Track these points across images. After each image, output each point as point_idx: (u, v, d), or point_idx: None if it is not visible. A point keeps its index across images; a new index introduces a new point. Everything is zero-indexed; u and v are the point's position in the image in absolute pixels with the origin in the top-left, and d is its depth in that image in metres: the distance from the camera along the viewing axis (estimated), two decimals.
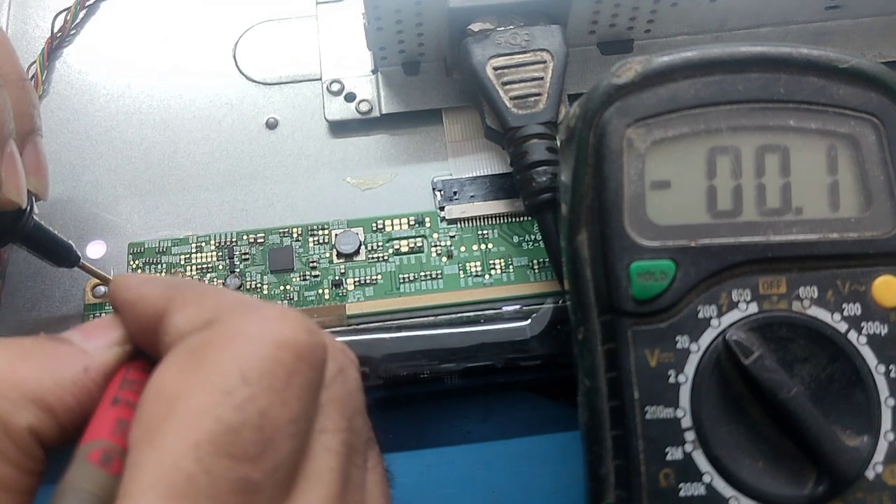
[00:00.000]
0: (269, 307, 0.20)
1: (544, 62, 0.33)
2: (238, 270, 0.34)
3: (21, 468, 0.18)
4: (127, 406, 0.19)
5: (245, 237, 0.35)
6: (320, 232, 0.35)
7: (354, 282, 0.34)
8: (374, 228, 0.35)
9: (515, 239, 0.34)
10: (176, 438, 0.17)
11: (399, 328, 0.32)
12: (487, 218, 0.35)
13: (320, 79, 0.38)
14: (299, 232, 0.35)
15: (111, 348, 0.21)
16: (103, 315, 0.33)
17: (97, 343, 0.21)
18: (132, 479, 0.17)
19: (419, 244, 0.34)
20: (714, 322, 0.25)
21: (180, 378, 0.18)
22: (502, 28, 0.34)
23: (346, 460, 0.20)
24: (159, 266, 0.34)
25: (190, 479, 0.17)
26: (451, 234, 0.34)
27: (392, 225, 0.35)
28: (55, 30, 0.40)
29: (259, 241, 0.35)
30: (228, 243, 0.35)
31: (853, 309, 0.25)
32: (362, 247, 0.34)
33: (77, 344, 0.21)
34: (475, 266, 0.34)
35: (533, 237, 0.34)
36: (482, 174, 0.36)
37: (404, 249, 0.34)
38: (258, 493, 0.17)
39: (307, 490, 0.19)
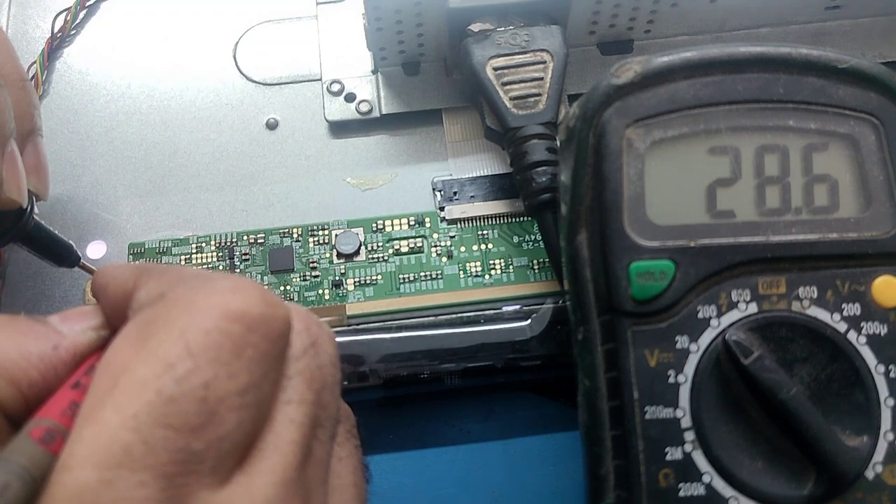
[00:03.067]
0: (223, 278, 0.20)
1: (544, 62, 0.33)
2: (238, 271, 0.34)
3: None
4: (85, 391, 0.19)
5: (245, 237, 0.35)
6: (320, 232, 0.35)
7: (354, 282, 0.34)
8: (374, 229, 0.35)
9: (515, 239, 0.34)
10: (115, 410, 0.17)
11: (399, 328, 0.32)
12: (487, 218, 0.35)
13: (320, 79, 0.38)
14: (299, 232, 0.35)
15: (85, 332, 0.21)
16: None
17: (72, 326, 0.21)
18: (71, 452, 0.17)
19: (419, 244, 0.34)
20: (714, 322, 0.25)
21: (127, 352, 0.18)
22: (502, 28, 0.34)
23: (309, 433, 0.20)
24: None
25: (127, 449, 0.17)
26: (451, 234, 0.34)
27: (392, 225, 0.35)
28: (55, 30, 0.40)
29: (259, 241, 0.35)
30: (229, 244, 0.35)
31: (853, 309, 0.25)
32: (362, 247, 0.34)
33: (53, 325, 0.21)
34: (475, 266, 0.34)
35: (533, 237, 0.34)
36: (482, 174, 0.36)
37: (404, 250, 0.34)
38: (201, 462, 0.17)
39: (262, 459, 0.19)
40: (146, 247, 0.35)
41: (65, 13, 0.40)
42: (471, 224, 0.35)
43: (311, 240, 0.34)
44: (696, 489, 0.24)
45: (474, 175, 0.36)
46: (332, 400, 0.21)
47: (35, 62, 0.39)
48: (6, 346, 0.19)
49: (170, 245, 0.35)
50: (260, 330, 0.19)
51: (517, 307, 0.33)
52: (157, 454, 0.17)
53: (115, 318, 0.21)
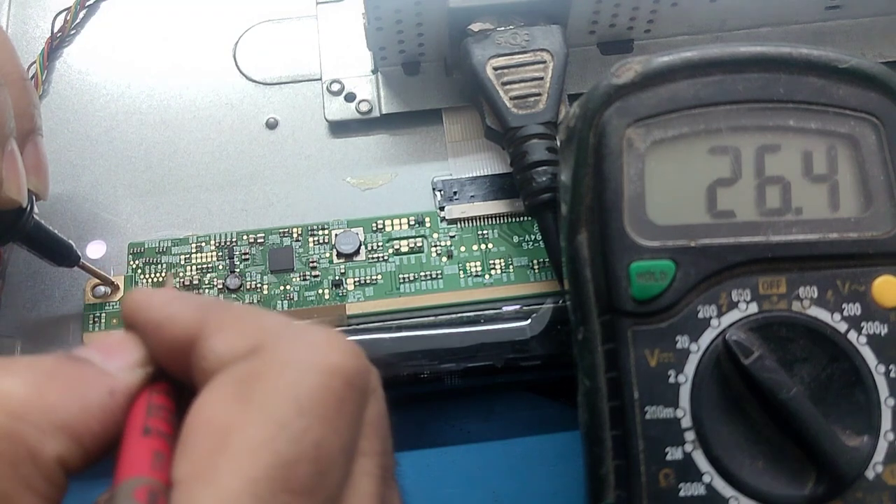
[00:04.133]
0: (315, 332, 0.19)
1: (544, 62, 0.33)
2: (238, 270, 0.34)
3: (45, 498, 0.18)
4: (160, 436, 0.19)
5: (245, 237, 0.35)
6: (320, 232, 0.35)
7: (354, 282, 0.34)
8: (374, 228, 0.35)
9: (515, 239, 0.34)
10: (232, 474, 0.17)
11: (399, 328, 0.32)
12: (487, 218, 0.35)
13: (320, 79, 0.38)
14: (299, 232, 0.35)
15: (134, 370, 0.20)
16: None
17: (119, 364, 0.20)
18: None
19: (419, 244, 0.34)
20: (714, 322, 0.25)
21: (231, 410, 0.18)
22: (502, 28, 0.34)
23: (383, 483, 0.20)
24: (159, 266, 0.34)
25: None
26: (451, 234, 0.34)
27: (392, 225, 0.35)
28: (55, 30, 0.40)
29: (259, 241, 0.35)
30: (228, 243, 0.35)
31: (853, 309, 0.25)
32: (362, 247, 0.34)
33: (98, 365, 0.20)
34: (475, 266, 0.34)
35: (533, 237, 0.34)
36: (482, 174, 0.36)
37: (404, 249, 0.34)
38: None
39: None
40: (146, 246, 0.35)
41: (65, 13, 0.40)
42: (471, 224, 0.35)
43: (311, 239, 0.34)
44: (697, 489, 0.24)
45: (474, 175, 0.36)
46: (391, 447, 0.21)
47: (35, 62, 0.39)
48: (66, 401, 0.18)
49: (170, 245, 0.35)
50: (355, 384, 0.19)
51: (517, 307, 0.33)
52: None
53: (168, 358, 0.20)
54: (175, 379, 0.20)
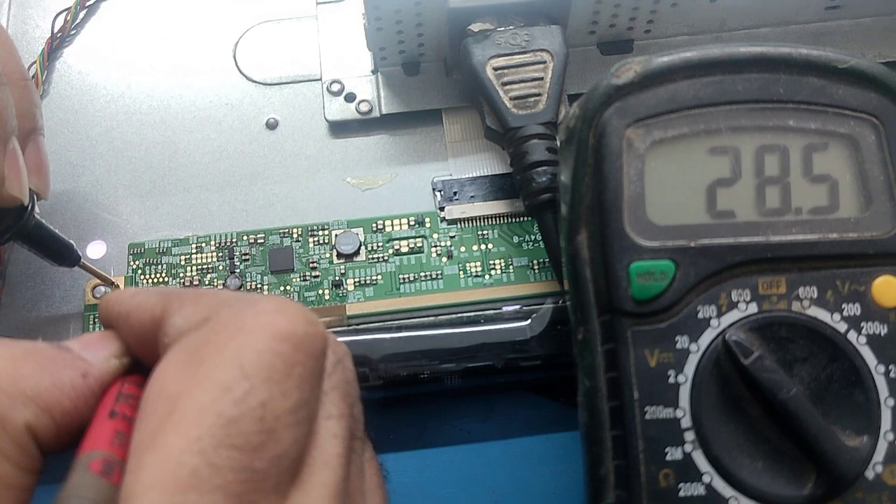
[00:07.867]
0: (266, 300, 0.20)
1: (544, 62, 0.33)
2: (238, 271, 0.34)
3: (18, 465, 0.19)
4: (124, 420, 0.19)
5: (245, 237, 0.35)
6: (320, 232, 0.35)
7: (354, 282, 0.34)
8: (374, 229, 0.35)
9: (515, 239, 0.34)
10: (177, 436, 0.17)
11: (399, 328, 0.32)
12: (487, 218, 0.35)
13: (320, 79, 0.38)
14: (299, 232, 0.35)
15: (109, 360, 0.21)
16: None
17: (96, 353, 0.21)
18: (136, 480, 0.17)
19: (419, 244, 0.34)
20: (714, 322, 0.25)
21: (180, 378, 0.19)
22: (502, 28, 0.34)
23: (349, 445, 0.20)
24: (160, 267, 0.34)
25: (194, 472, 0.17)
26: (451, 234, 0.34)
27: (392, 225, 0.35)
28: (55, 30, 0.40)
29: (259, 241, 0.35)
30: (229, 244, 0.35)
31: (853, 309, 0.25)
32: (362, 247, 0.34)
33: (76, 352, 0.21)
34: (475, 266, 0.34)
35: (533, 237, 0.34)
36: (482, 174, 0.36)
37: (404, 250, 0.34)
38: (264, 480, 0.18)
39: (315, 474, 0.19)
40: (146, 247, 0.35)
41: (65, 13, 0.40)
42: (471, 224, 0.35)
43: (311, 240, 0.34)
44: (696, 489, 0.24)
45: (474, 175, 0.36)
46: (360, 412, 0.22)
47: (35, 62, 0.39)
48: (38, 374, 0.19)
49: (170, 245, 0.35)
50: (305, 348, 0.19)
51: (517, 307, 0.33)
52: (224, 475, 0.17)
53: (139, 345, 0.21)
54: (150, 367, 0.21)
